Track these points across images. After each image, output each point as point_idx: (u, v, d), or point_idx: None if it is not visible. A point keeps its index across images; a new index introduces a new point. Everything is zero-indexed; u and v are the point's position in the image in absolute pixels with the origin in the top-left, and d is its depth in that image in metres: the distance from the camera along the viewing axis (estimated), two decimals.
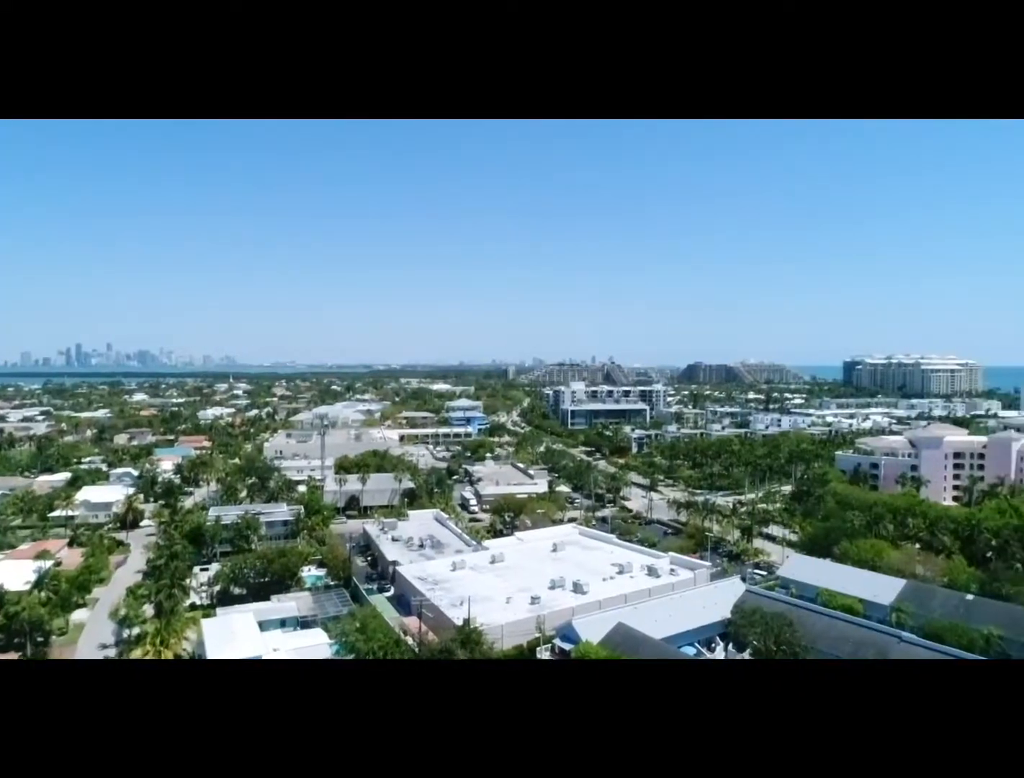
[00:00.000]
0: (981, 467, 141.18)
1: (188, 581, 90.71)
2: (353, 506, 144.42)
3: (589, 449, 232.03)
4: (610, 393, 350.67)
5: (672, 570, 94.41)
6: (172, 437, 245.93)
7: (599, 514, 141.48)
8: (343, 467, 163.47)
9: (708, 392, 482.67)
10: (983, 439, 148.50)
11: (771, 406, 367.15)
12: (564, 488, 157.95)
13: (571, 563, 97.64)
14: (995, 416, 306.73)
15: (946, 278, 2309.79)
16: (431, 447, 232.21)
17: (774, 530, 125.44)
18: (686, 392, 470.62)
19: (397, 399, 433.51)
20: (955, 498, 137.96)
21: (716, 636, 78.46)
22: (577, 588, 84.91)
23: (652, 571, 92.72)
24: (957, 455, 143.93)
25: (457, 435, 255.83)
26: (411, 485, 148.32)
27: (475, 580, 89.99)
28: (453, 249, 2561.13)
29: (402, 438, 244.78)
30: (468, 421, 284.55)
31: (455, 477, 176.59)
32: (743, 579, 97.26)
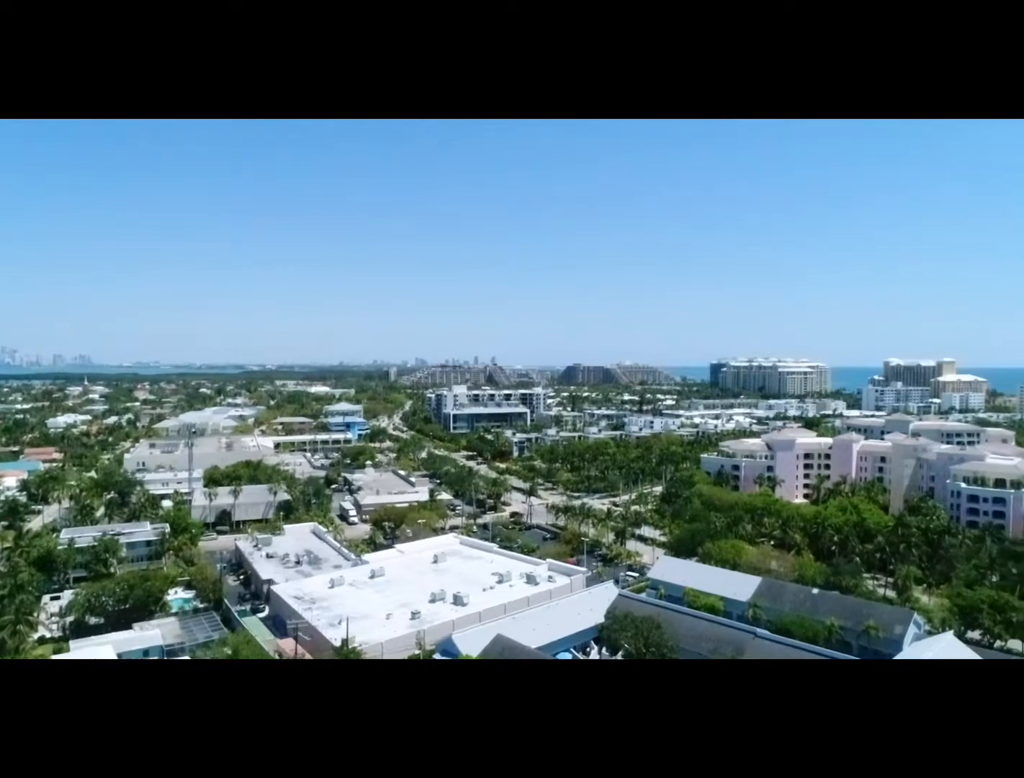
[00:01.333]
0: (827, 466, 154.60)
1: (36, 614, 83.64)
2: (224, 521, 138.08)
3: (471, 454, 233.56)
4: (492, 396, 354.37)
5: (550, 577, 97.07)
6: (16, 449, 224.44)
7: (481, 521, 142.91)
8: (213, 479, 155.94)
9: (587, 393, 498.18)
10: (829, 441, 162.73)
11: (645, 408, 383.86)
12: (446, 495, 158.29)
13: (452, 574, 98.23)
14: (840, 416, 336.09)
15: (804, 281, 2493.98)
16: (309, 455, 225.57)
17: (646, 531, 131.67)
18: (566, 393, 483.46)
19: (272, 403, 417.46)
20: (806, 496, 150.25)
21: (591, 641, 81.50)
22: (457, 600, 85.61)
23: (531, 579, 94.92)
24: (807, 456, 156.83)
25: (336, 441, 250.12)
26: (287, 497, 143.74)
27: (354, 597, 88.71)
28: (334, 247, 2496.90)
29: (278, 446, 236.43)
30: (348, 426, 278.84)
31: (334, 486, 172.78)
32: (616, 582, 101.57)
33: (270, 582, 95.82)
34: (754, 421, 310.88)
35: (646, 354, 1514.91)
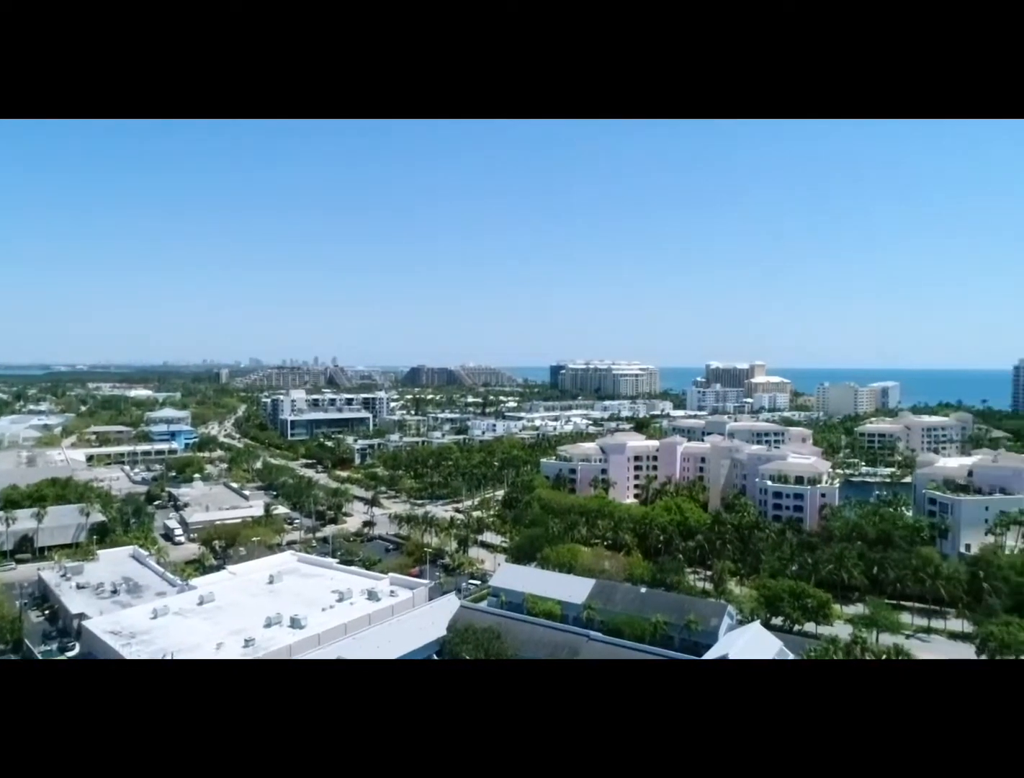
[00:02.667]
0: (655, 468, 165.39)
1: None
2: (25, 548, 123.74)
3: (311, 462, 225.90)
4: (332, 401, 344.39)
5: (392, 592, 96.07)
6: None
7: (321, 535, 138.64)
8: (11, 501, 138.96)
9: (431, 396, 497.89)
10: (656, 443, 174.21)
11: (488, 410, 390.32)
12: (283, 508, 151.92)
13: (289, 595, 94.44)
14: (668, 416, 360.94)
15: (636, 285, 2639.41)
16: (128, 468, 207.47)
17: (489, 538, 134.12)
18: (410, 396, 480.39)
19: (84, 410, 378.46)
20: (636, 496, 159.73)
21: (433, 655, 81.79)
22: (295, 623, 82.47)
23: (372, 595, 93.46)
24: (637, 458, 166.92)
25: (160, 452, 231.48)
26: (102, 517, 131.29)
27: (181, 627, 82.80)
28: (162, 240, 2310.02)
29: (90, 459, 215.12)
30: (173, 435, 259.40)
31: (157, 503, 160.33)
32: (459, 592, 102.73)
33: (81, 616, 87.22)
34: (590, 422, 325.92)
35: (489, 355, 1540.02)
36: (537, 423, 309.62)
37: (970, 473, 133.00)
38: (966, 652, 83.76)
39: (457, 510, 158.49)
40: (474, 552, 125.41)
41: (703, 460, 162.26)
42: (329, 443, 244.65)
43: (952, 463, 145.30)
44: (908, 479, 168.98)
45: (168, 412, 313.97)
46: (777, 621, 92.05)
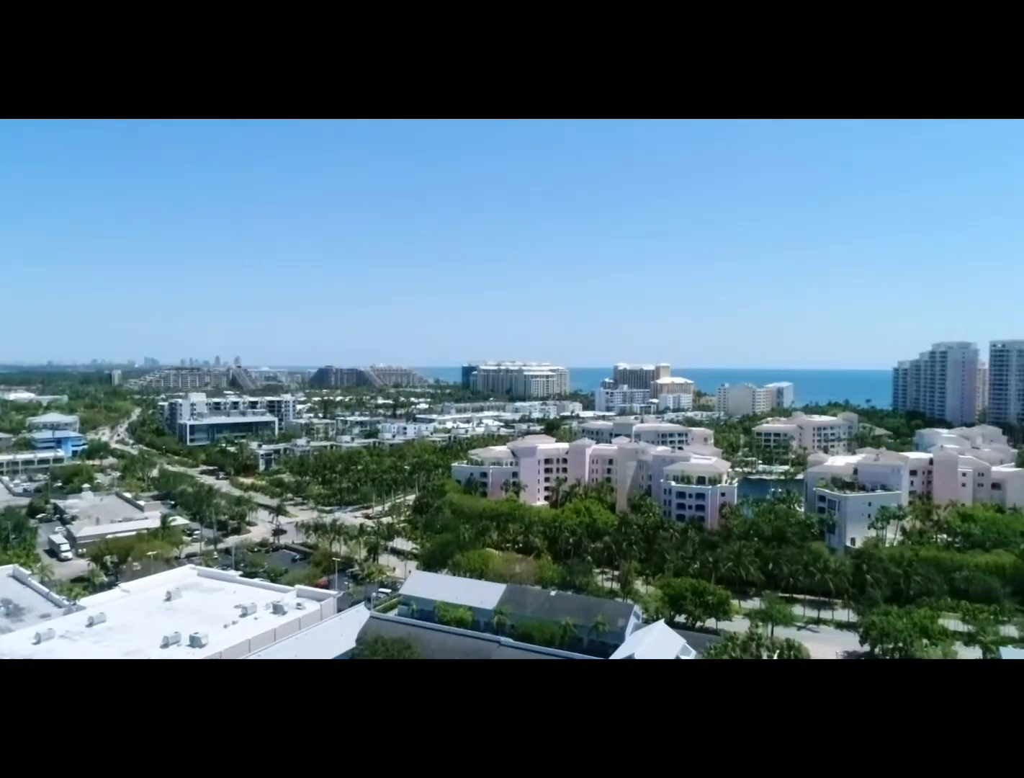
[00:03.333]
0: (565, 470, 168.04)
1: None
2: None
3: (212, 469, 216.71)
4: (235, 404, 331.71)
5: (299, 604, 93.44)
6: None
7: (223, 546, 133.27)
8: None
9: (340, 398, 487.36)
10: (566, 446, 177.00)
11: (399, 412, 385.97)
12: (182, 519, 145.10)
13: (189, 612, 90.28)
14: (577, 417, 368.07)
15: (553, 284, 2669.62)
16: (7, 479, 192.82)
17: (400, 544, 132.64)
18: (317, 398, 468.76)
19: None
20: (546, 498, 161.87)
21: None
22: (195, 642, 78.87)
23: (278, 608, 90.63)
24: (548, 461, 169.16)
25: (44, 461, 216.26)
26: None
27: (68, 651, 77.72)
28: (47, 234, 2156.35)
29: None
30: (59, 442, 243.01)
31: (41, 517, 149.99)
32: (368, 601, 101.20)
33: None
34: (502, 424, 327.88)
35: (400, 356, 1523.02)
36: (449, 425, 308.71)
37: (855, 471, 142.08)
38: (851, 640, 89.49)
39: (367, 516, 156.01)
40: (385, 559, 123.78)
41: (611, 462, 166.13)
42: (232, 449, 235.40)
43: (839, 462, 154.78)
44: (801, 476, 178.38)
45: (53, 417, 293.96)
46: (681, 619, 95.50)
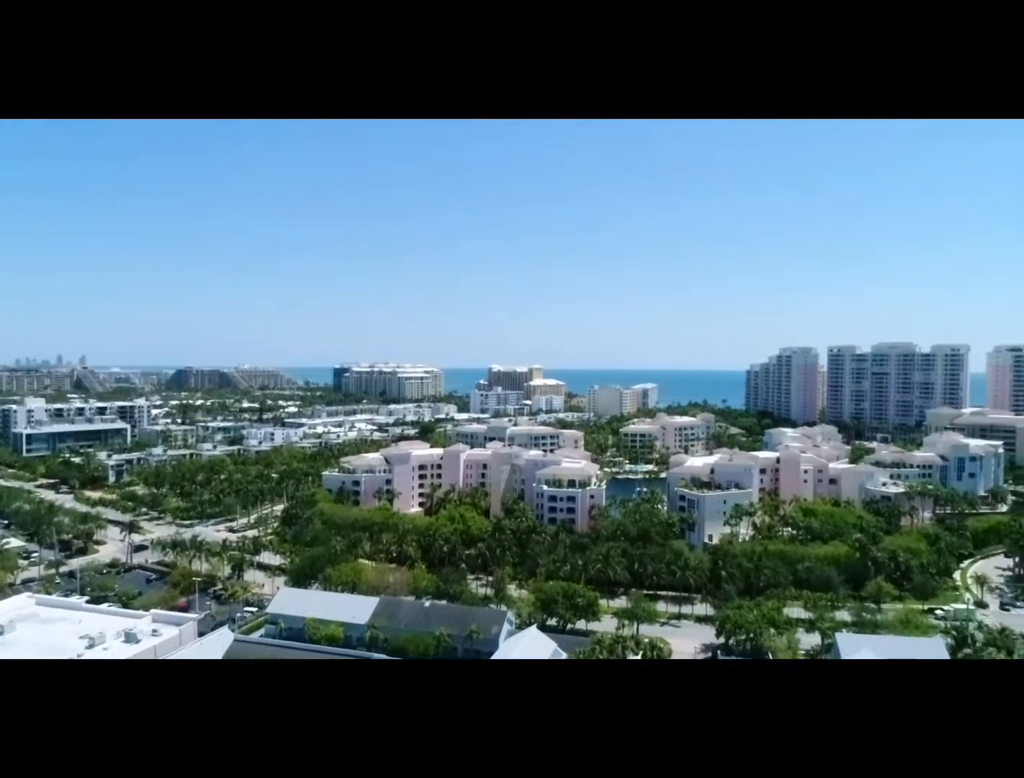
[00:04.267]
0: (439, 476, 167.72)
1: None
2: None
3: (53, 483, 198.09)
4: (81, 410, 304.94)
5: (155, 630, 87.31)
6: None
7: (66, 569, 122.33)
8: None
9: (200, 402, 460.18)
10: (440, 452, 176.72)
11: (266, 417, 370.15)
12: (17, 541, 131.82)
13: (25, 646, 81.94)
14: (452, 419, 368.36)
15: (430, 284, 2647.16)
16: None
17: (267, 559, 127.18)
18: (176, 402, 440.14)
19: None
20: (421, 505, 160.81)
21: None
22: None
23: (130, 637, 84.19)
24: (422, 467, 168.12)
25: None
26: None
27: None
28: None
29: None
30: None
31: None
32: (232, 621, 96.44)
33: None
34: (375, 428, 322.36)
35: (268, 355, 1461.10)
36: (320, 430, 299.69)
37: (712, 471, 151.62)
38: (709, 633, 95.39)
39: (231, 530, 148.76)
40: (251, 576, 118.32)
41: (485, 467, 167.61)
42: (77, 459, 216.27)
43: (698, 462, 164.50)
44: (664, 475, 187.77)
45: None
46: (553, 622, 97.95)
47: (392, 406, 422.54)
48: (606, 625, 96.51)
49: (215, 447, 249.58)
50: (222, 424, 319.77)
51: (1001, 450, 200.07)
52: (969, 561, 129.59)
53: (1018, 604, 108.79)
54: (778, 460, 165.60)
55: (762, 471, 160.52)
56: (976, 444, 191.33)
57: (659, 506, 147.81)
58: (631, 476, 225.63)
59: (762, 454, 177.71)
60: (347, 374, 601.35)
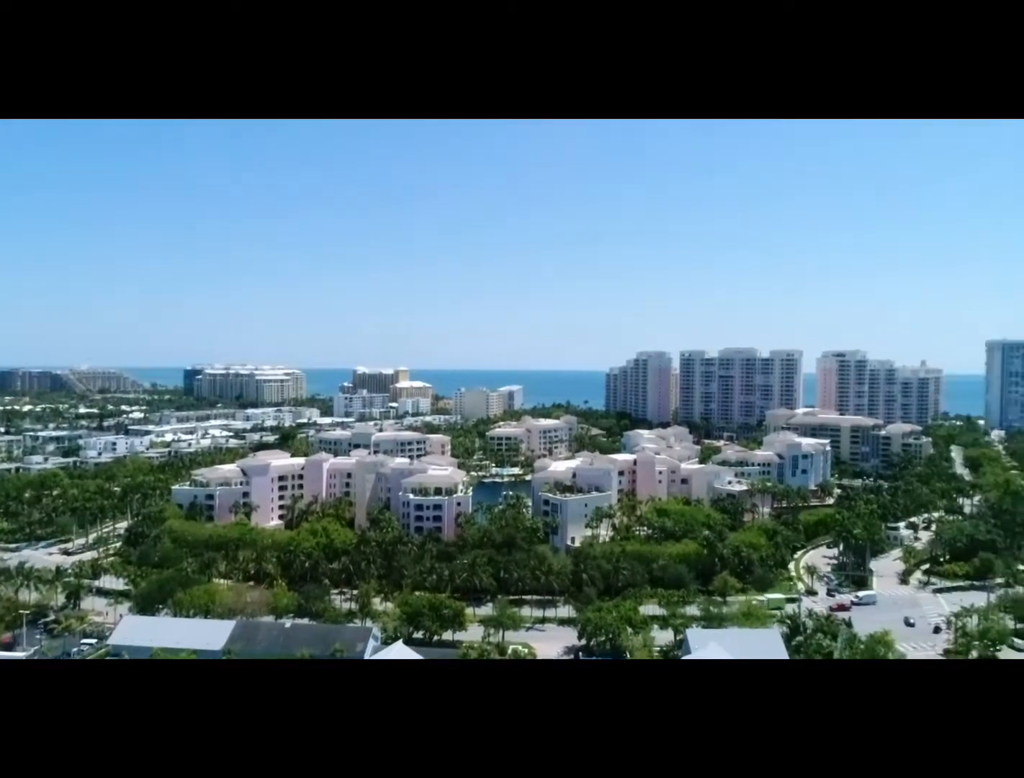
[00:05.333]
0: (301, 487, 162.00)
1: None
2: None
3: None
4: None
5: None
6: None
7: None
8: None
9: (29, 407, 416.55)
10: (302, 461, 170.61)
11: (106, 424, 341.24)
12: None
13: None
14: (315, 424, 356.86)
15: (287, 281, 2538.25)
16: None
17: (110, 583, 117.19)
18: None
19: None
20: (281, 518, 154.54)
21: None
22: None
23: None
24: (282, 478, 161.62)
25: None
26: None
27: None
28: None
29: None
30: None
31: None
32: (68, 655, 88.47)
33: None
34: (231, 434, 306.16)
35: (109, 356, 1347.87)
36: (168, 438, 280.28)
37: (574, 475, 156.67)
38: (571, 636, 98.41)
39: (66, 553, 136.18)
40: (89, 603, 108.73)
41: (350, 476, 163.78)
42: None
43: (561, 466, 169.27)
44: (530, 477, 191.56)
45: None
46: (420, 634, 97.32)
47: (249, 411, 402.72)
48: (473, 634, 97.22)
49: (46, 459, 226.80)
50: (55, 433, 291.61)
51: (828, 448, 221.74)
52: (801, 552, 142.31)
53: (841, 590, 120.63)
54: (635, 462, 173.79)
55: (621, 473, 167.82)
56: (808, 442, 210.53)
57: (524, 510, 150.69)
58: (498, 480, 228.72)
59: (620, 457, 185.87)
60: (199, 376, 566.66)
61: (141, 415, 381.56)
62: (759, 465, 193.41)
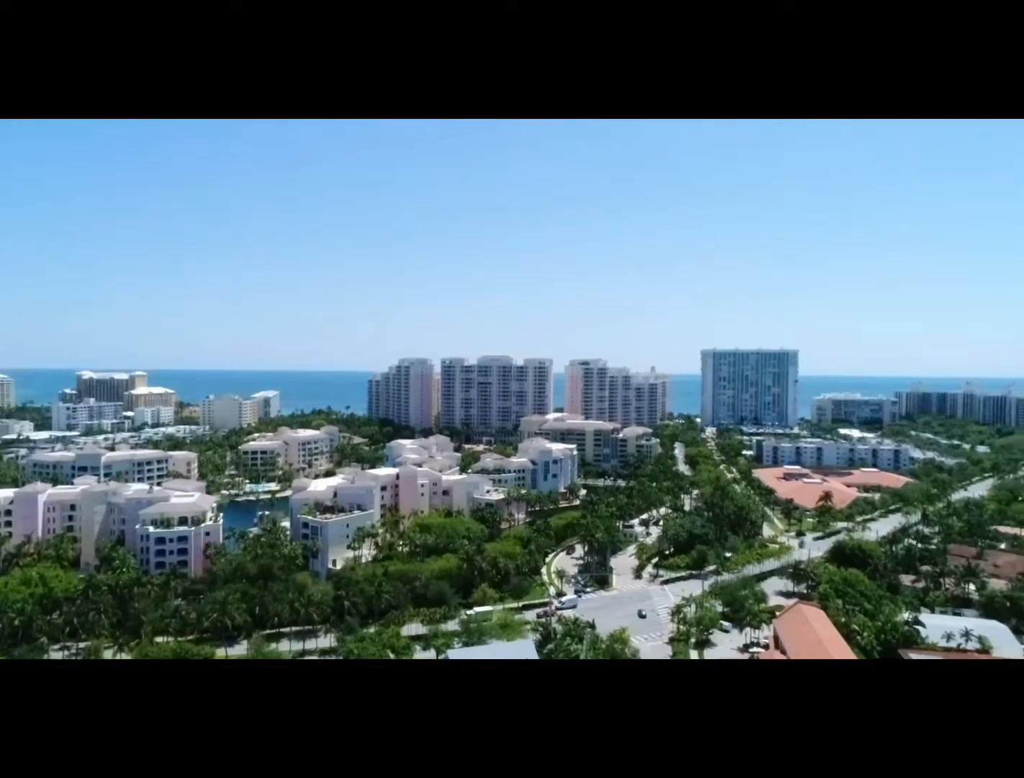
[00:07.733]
0: (9, 524, 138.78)
1: None
2: None
3: None
4: None
5: None
6: None
7: None
8: None
9: None
10: (9, 493, 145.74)
11: None
12: None
13: None
14: (28, 441, 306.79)
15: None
16: None
17: None
18: None
19: None
20: None
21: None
22: None
23: None
24: None
25: None
26: None
27: None
28: None
29: None
30: None
31: None
32: None
33: None
34: None
35: None
36: None
37: (335, 494, 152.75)
38: None
39: None
40: None
41: (73, 507, 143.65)
42: None
43: (321, 486, 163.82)
44: (288, 493, 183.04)
45: None
46: None
47: None
48: None
49: None
50: None
51: (575, 451, 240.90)
52: (552, 555, 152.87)
53: (587, 590, 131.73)
54: (398, 477, 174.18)
55: (383, 488, 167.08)
56: (557, 448, 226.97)
57: (283, 535, 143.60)
58: (252, 498, 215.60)
59: (383, 471, 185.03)
60: None
61: None
62: (515, 472, 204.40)
